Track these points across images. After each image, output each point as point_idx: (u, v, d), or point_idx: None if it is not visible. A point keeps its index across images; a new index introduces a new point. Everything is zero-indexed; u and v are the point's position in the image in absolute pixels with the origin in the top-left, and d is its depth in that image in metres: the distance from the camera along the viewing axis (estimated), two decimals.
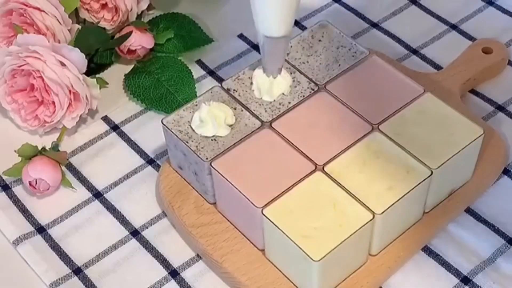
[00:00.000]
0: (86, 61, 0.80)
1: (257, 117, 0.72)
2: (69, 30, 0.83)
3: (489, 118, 0.82)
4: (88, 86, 0.80)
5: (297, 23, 0.92)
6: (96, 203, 0.77)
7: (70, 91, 0.78)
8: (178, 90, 0.84)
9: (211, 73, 0.88)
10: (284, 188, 0.67)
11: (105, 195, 0.78)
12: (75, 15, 0.87)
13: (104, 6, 0.86)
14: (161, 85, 0.85)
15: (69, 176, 0.79)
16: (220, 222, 0.72)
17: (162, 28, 0.89)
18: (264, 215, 0.65)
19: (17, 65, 0.78)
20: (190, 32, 0.89)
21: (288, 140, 0.70)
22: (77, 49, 0.79)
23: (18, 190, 0.78)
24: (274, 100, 0.73)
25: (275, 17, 0.67)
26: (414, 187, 0.66)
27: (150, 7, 0.92)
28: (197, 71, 0.87)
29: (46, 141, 0.80)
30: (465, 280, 0.70)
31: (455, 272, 0.70)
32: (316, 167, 0.68)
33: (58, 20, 0.81)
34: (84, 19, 0.87)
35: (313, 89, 0.74)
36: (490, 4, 0.93)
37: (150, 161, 0.80)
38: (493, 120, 0.82)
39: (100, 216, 0.76)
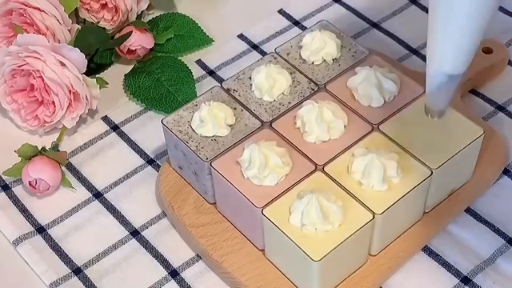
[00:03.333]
0: (86, 61, 0.80)
1: (257, 117, 0.72)
2: (69, 30, 0.83)
3: (489, 118, 0.82)
4: (88, 86, 0.80)
5: (297, 23, 0.92)
6: (96, 203, 0.77)
7: (70, 91, 0.78)
8: (178, 90, 0.84)
9: (211, 73, 0.88)
10: (284, 188, 0.67)
11: (105, 195, 0.78)
12: (75, 15, 0.87)
13: (104, 6, 0.86)
14: (161, 85, 0.84)
15: (69, 176, 0.79)
16: (220, 222, 0.72)
17: (162, 28, 0.89)
18: (264, 215, 0.65)
19: (17, 65, 0.78)
20: (190, 32, 0.89)
21: (288, 140, 0.70)
22: (77, 49, 0.79)
23: (18, 190, 0.78)
24: (274, 100, 0.73)
25: (468, 50, 0.58)
26: (414, 187, 0.66)
27: (150, 7, 0.92)
28: (197, 71, 0.87)
29: (46, 141, 0.80)
30: (465, 280, 0.70)
31: (455, 272, 0.70)
32: (316, 167, 0.68)
33: (58, 20, 0.81)
34: (84, 19, 0.87)
35: (313, 89, 0.74)
36: None
37: (150, 161, 0.80)
38: (493, 120, 0.82)
39: (100, 216, 0.76)
